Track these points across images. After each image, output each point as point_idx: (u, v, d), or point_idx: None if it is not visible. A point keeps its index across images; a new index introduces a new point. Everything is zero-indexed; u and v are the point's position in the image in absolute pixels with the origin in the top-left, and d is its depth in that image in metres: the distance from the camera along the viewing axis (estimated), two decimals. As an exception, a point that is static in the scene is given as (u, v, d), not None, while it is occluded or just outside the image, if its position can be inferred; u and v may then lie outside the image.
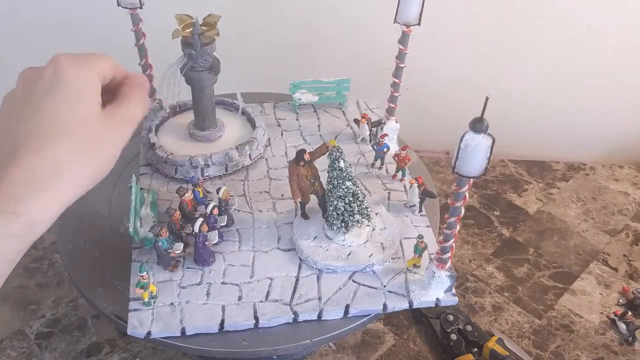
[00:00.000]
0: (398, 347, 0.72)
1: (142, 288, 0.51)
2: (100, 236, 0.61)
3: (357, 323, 0.54)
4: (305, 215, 0.61)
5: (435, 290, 0.55)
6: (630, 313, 0.76)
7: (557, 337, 0.74)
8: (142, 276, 0.51)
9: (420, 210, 0.64)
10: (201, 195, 0.61)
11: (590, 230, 0.92)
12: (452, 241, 0.51)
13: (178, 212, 0.57)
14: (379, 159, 0.70)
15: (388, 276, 0.57)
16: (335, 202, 0.56)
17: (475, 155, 0.43)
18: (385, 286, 0.56)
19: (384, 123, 0.72)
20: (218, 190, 0.59)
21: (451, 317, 0.72)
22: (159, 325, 0.51)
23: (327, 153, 0.56)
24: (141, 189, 0.63)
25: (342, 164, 0.55)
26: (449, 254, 0.52)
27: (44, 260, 0.80)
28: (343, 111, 0.81)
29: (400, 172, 0.69)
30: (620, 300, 0.79)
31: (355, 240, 0.58)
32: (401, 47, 0.64)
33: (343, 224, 0.57)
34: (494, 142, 0.43)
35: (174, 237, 0.56)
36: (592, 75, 1.02)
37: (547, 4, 0.95)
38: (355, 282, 0.56)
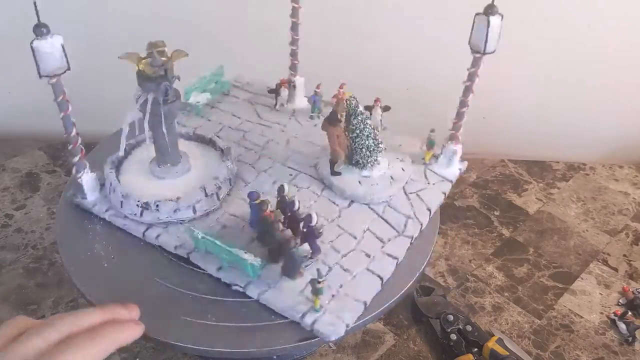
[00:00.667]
0: (398, 347, 0.72)
1: (319, 294, 0.51)
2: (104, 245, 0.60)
3: (374, 314, 0.55)
4: (337, 172, 0.65)
5: (454, 164, 0.69)
6: (630, 313, 0.76)
7: (557, 337, 0.74)
8: (321, 282, 0.50)
9: (383, 126, 0.72)
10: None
11: (590, 230, 0.92)
12: (464, 119, 0.65)
13: (280, 225, 0.55)
14: (316, 109, 0.78)
15: (421, 175, 0.68)
16: (367, 141, 0.63)
17: (494, 34, 0.57)
18: (429, 182, 0.67)
19: (294, 81, 0.79)
20: (281, 187, 0.58)
21: (451, 317, 0.72)
22: (347, 314, 0.52)
23: (347, 103, 0.61)
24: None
25: (361, 108, 0.62)
26: (461, 131, 0.67)
27: (44, 260, 0.80)
28: (234, 96, 0.83)
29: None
30: (620, 300, 0.80)
31: (386, 166, 0.67)
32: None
33: (375, 158, 0.65)
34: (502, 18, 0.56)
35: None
36: (592, 75, 1.02)
37: (547, 3, 0.95)
38: (413, 193, 0.66)
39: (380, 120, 0.75)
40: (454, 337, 0.70)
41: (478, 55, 0.61)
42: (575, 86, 1.03)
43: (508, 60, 1.01)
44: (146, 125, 0.58)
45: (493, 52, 0.59)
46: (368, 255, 0.58)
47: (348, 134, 0.63)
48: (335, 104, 0.62)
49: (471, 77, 0.63)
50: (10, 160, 1.00)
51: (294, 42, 0.76)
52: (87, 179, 0.62)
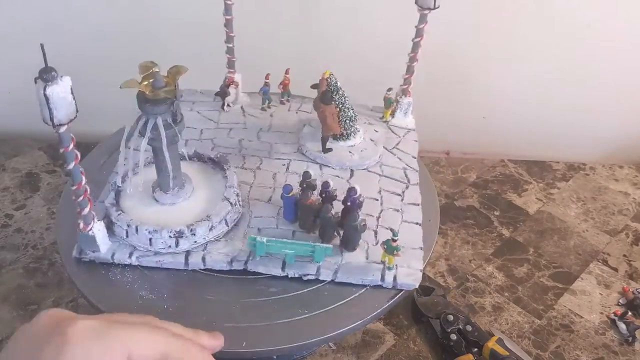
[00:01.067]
0: (398, 347, 0.72)
1: (395, 252, 0.56)
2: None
3: (374, 313, 0.55)
4: (329, 149, 0.70)
5: (409, 116, 0.78)
6: (630, 313, 0.76)
7: (557, 337, 0.74)
8: (396, 240, 0.55)
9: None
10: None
11: (590, 230, 0.92)
12: (414, 73, 0.74)
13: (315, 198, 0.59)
14: (266, 100, 0.80)
15: (384, 133, 0.75)
16: (349, 112, 0.69)
17: None
18: (399, 136, 0.76)
19: (236, 80, 0.80)
20: (306, 173, 0.60)
21: (451, 317, 0.72)
22: (414, 264, 0.58)
23: (327, 81, 0.66)
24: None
25: (339, 84, 0.67)
26: (412, 84, 0.75)
27: (44, 260, 0.80)
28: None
29: (285, 95, 0.81)
30: (620, 301, 0.80)
31: (357, 139, 0.72)
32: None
33: (356, 126, 0.71)
34: None
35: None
36: (592, 75, 1.02)
37: (547, 3, 0.95)
38: (388, 150, 0.73)
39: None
40: (454, 337, 0.70)
41: (426, 11, 0.68)
42: (575, 86, 1.03)
43: (508, 60, 1.01)
44: (143, 148, 0.54)
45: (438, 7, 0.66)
46: (397, 210, 0.64)
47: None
48: (320, 83, 0.66)
49: (419, 33, 0.70)
50: (10, 160, 0.99)
51: (229, 39, 0.75)
52: (98, 228, 0.56)
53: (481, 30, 0.97)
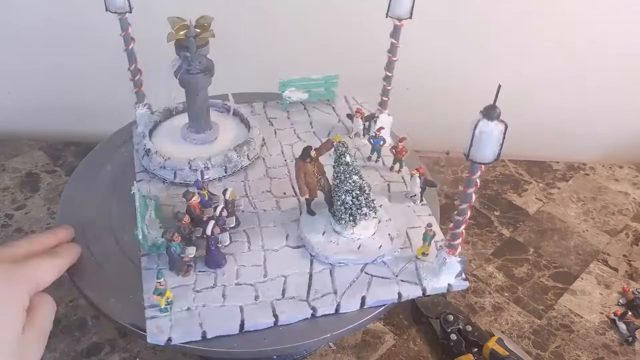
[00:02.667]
0: (398, 347, 0.72)
1: (159, 295, 0.51)
2: (104, 244, 0.60)
3: (374, 314, 0.55)
4: (311, 212, 0.61)
5: (447, 275, 0.56)
6: (630, 313, 0.76)
7: (557, 337, 0.74)
8: (159, 282, 0.50)
9: (422, 200, 0.66)
10: (206, 197, 0.61)
11: (590, 230, 0.92)
12: (462, 227, 0.53)
13: (187, 217, 0.57)
14: (375, 152, 0.72)
15: (399, 266, 0.58)
16: (343, 196, 0.57)
17: (489, 141, 0.45)
18: (397, 276, 0.57)
19: (377, 117, 0.73)
20: (224, 191, 0.59)
21: (451, 317, 0.72)
22: (179, 330, 0.51)
23: (333, 148, 0.57)
24: (143, 195, 0.62)
25: (348, 159, 0.56)
26: (459, 240, 0.54)
27: (44, 260, 0.80)
28: (333, 107, 0.82)
29: (397, 164, 0.70)
30: (620, 300, 0.80)
31: (364, 233, 0.59)
32: (393, 40, 0.66)
33: (351, 218, 0.57)
34: (506, 128, 0.44)
35: (184, 241, 0.56)
36: (592, 75, 1.02)
37: (548, 3, 0.95)
38: (368, 274, 0.57)
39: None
40: (454, 337, 0.70)
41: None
42: (575, 86, 1.03)
43: (508, 60, 1.01)
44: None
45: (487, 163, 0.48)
46: (256, 297, 0.54)
47: (333, 180, 0.58)
48: (323, 143, 0.59)
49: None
50: (10, 160, 0.99)
51: (387, 78, 0.70)
52: (140, 112, 0.71)
53: (481, 30, 0.97)
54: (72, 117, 1.03)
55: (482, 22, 0.97)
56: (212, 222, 0.54)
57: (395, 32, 0.65)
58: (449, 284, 0.56)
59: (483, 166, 0.47)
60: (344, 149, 0.56)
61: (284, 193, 0.66)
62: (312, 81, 0.80)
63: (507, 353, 0.68)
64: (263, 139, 0.74)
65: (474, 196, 0.50)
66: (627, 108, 1.07)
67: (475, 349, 0.70)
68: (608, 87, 1.03)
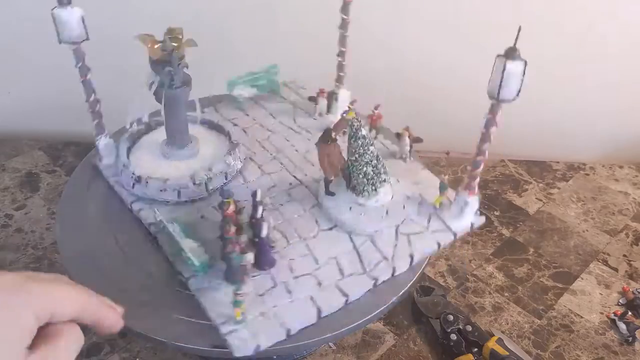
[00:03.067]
0: (398, 347, 0.72)
1: (238, 306, 0.50)
2: (104, 245, 0.60)
3: (375, 313, 0.55)
4: (330, 193, 0.63)
5: (468, 215, 0.61)
6: (630, 313, 0.76)
7: (557, 337, 0.74)
8: (239, 295, 0.49)
9: (410, 158, 0.71)
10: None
11: (590, 230, 0.92)
12: (481, 167, 0.58)
13: (232, 227, 0.54)
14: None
15: (424, 219, 0.62)
16: (365, 168, 0.59)
17: (512, 80, 0.51)
18: (428, 228, 0.61)
19: (337, 93, 0.76)
20: (254, 193, 0.56)
21: (451, 317, 0.72)
22: (263, 336, 0.50)
23: (349, 124, 0.58)
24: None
25: (364, 132, 0.58)
26: (477, 180, 0.59)
27: (44, 260, 0.80)
28: (282, 96, 0.83)
29: (374, 131, 0.74)
30: (620, 300, 0.80)
31: (386, 199, 0.62)
32: (344, 16, 0.68)
33: (373, 187, 0.60)
34: (526, 65, 0.50)
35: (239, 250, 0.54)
36: (592, 75, 1.02)
37: (548, 3, 0.95)
38: (404, 234, 0.60)
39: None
40: (454, 337, 0.70)
41: (494, 101, 0.54)
42: (575, 86, 1.03)
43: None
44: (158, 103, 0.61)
45: (511, 100, 0.52)
46: (319, 284, 0.55)
47: (348, 156, 0.60)
48: (337, 122, 0.59)
49: (489, 123, 0.56)
50: (10, 160, 0.99)
51: (341, 53, 0.73)
52: (104, 143, 0.68)
53: (481, 30, 0.97)
54: (72, 117, 1.02)
55: (483, 21, 0.97)
56: (265, 224, 0.53)
57: (345, 8, 0.68)
58: (471, 223, 0.62)
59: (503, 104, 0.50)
60: (359, 123, 0.58)
61: (290, 184, 0.67)
62: (255, 75, 0.81)
63: (507, 353, 0.68)
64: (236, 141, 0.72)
65: (492, 136, 0.54)
66: (627, 108, 1.07)
67: (475, 349, 0.70)
68: (608, 87, 1.03)
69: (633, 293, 0.79)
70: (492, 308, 0.78)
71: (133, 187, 0.64)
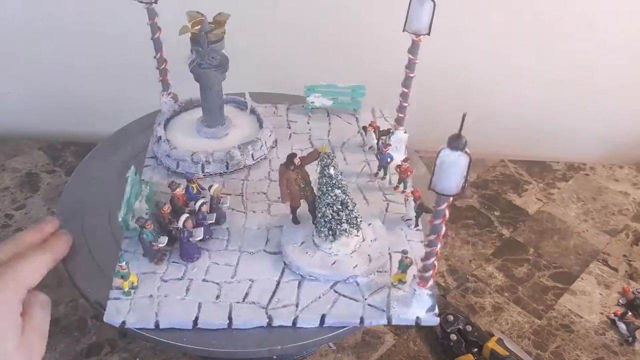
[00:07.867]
0: (398, 347, 0.72)
1: (122, 278, 0.52)
2: (99, 225, 0.62)
3: (332, 334, 0.52)
4: (295, 220, 0.60)
5: (417, 308, 0.53)
6: (630, 313, 0.76)
7: (557, 337, 0.74)
8: (121, 266, 0.52)
9: (417, 225, 0.62)
10: (195, 191, 0.61)
11: (590, 230, 0.92)
12: (433, 259, 0.49)
13: (168, 206, 0.57)
14: (382, 169, 0.69)
15: (371, 289, 0.55)
16: (324, 209, 0.54)
17: (452, 172, 0.42)
18: (366, 299, 0.54)
19: (392, 133, 0.70)
20: (210, 187, 0.59)
21: (451, 317, 0.72)
22: (135, 315, 0.51)
23: (319, 159, 0.54)
24: (141, 180, 0.63)
25: (332, 171, 0.53)
26: (431, 272, 0.51)
27: (44, 260, 0.80)
28: (356, 118, 0.79)
29: (402, 184, 0.67)
30: (620, 301, 0.80)
31: (342, 250, 0.57)
32: (410, 56, 0.63)
33: (330, 232, 0.55)
34: (470, 161, 0.42)
35: (160, 231, 0.57)
36: (592, 75, 1.02)
37: (548, 3, 0.95)
38: (337, 292, 0.54)
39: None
40: (454, 337, 0.70)
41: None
42: (575, 86, 1.03)
43: (509, 61, 1.01)
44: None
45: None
46: (217, 297, 0.54)
47: (304, 186, 0.57)
48: (309, 153, 0.57)
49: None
50: (10, 160, 0.99)
51: (403, 95, 0.67)
52: (165, 100, 0.73)
53: (481, 30, 0.97)
54: (72, 117, 1.03)
55: (483, 23, 0.97)
56: (185, 215, 0.55)
57: (413, 48, 0.62)
58: (417, 317, 0.53)
59: (450, 198, 0.44)
60: (329, 160, 0.53)
61: (278, 198, 0.64)
62: (339, 89, 0.79)
63: (507, 353, 0.68)
64: (275, 141, 0.73)
65: (443, 227, 0.47)
66: (627, 108, 1.07)
67: (475, 349, 0.70)
68: (608, 87, 1.03)
69: (633, 293, 0.79)
70: (492, 308, 0.78)
71: (154, 143, 0.69)
